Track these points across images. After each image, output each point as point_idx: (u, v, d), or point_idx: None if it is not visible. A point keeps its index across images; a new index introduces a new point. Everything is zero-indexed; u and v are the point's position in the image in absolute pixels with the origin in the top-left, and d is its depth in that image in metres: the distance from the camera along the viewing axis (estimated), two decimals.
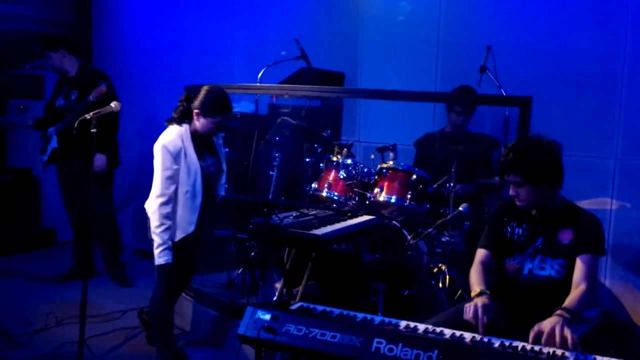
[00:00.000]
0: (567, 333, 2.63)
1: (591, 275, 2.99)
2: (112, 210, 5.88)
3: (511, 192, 3.09)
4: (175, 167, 3.74)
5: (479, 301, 2.89)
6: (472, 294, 3.03)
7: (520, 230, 3.20)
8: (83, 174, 5.19)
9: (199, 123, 3.82)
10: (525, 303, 3.11)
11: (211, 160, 3.96)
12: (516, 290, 3.15)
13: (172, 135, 3.78)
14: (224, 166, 4.13)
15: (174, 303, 4.13)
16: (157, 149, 3.75)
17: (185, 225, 3.83)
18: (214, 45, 6.70)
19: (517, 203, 3.12)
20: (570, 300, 2.88)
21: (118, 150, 5.77)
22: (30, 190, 7.04)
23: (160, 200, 3.74)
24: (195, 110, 3.80)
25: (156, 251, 3.76)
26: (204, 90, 3.83)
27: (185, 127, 3.84)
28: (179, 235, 3.83)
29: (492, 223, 3.29)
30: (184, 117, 3.86)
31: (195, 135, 3.86)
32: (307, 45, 5.74)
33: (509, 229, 3.23)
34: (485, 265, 3.22)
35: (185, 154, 3.78)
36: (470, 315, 2.84)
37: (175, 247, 3.81)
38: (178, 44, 6.93)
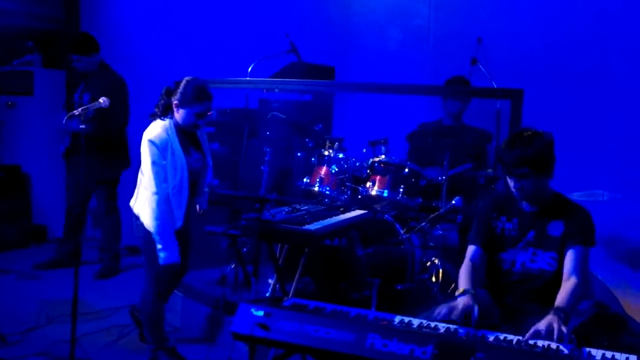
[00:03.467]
0: (563, 333, 2.62)
1: (582, 267, 2.99)
2: (114, 207, 5.90)
3: (514, 184, 3.03)
4: (164, 162, 3.69)
5: (461, 302, 2.87)
6: (457, 293, 3.02)
7: (511, 225, 3.18)
8: (90, 173, 5.39)
9: (178, 115, 3.75)
10: (519, 297, 3.11)
11: (196, 156, 3.91)
12: (509, 284, 3.15)
13: (158, 130, 3.72)
14: (209, 161, 4.07)
15: (166, 301, 4.09)
16: (144, 144, 3.69)
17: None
18: (203, 39, 6.64)
19: (519, 195, 3.06)
20: (562, 298, 2.87)
21: (128, 151, 5.82)
22: (21, 187, 6.99)
23: (158, 197, 3.67)
24: (175, 102, 3.74)
25: (164, 251, 3.69)
26: (183, 82, 3.77)
27: (169, 121, 3.78)
28: None
29: (481, 219, 3.25)
30: (165, 111, 3.80)
31: (179, 130, 3.80)
32: (298, 39, 5.71)
33: (499, 224, 3.20)
34: (475, 262, 3.19)
35: (172, 148, 3.72)
36: (457, 319, 2.82)
37: None
38: (166, 39, 6.87)
